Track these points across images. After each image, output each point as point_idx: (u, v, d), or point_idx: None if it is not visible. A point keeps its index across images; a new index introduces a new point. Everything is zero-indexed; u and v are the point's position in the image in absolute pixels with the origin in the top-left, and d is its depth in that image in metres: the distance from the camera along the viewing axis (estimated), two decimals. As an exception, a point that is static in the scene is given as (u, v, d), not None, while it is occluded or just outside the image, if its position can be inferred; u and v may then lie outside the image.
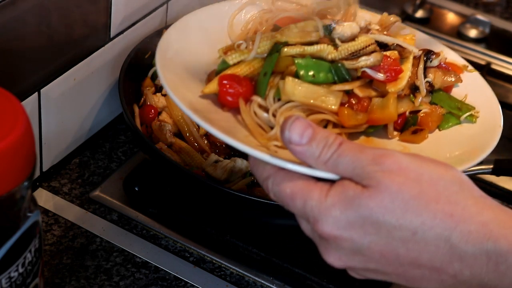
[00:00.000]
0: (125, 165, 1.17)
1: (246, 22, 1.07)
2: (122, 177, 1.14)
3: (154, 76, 1.19)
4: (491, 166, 1.14)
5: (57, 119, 1.11)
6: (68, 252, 1.03)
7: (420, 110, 0.98)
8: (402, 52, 0.97)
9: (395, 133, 0.97)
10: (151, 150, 1.06)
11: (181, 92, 0.87)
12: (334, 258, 0.72)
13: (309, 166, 0.73)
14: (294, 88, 0.88)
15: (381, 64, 0.92)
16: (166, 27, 1.22)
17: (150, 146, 1.06)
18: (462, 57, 1.10)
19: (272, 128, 0.88)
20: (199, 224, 1.10)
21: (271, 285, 1.03)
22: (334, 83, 0.91)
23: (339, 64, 0.91)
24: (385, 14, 1.08)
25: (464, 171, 0.78)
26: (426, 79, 0.99)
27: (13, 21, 0.95)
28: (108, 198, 1.11)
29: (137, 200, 1.12)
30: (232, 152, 1.13)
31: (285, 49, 0.91)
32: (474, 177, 1.17)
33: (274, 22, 1.03)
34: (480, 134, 0.96)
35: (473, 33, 1.62)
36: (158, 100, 1.16)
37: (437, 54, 1.01)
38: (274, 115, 0.89)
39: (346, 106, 0.91)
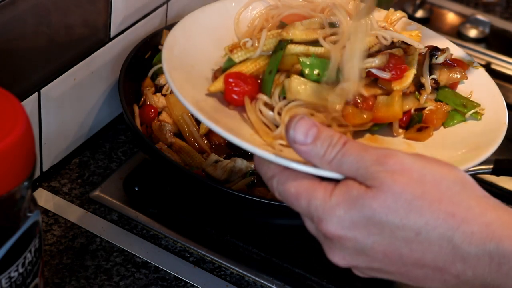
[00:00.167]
0: (125, 165, 1.17)
1: (252, 19, 1.06)
2: (122, 177, 1.14)
3: (154, 76, 1.19)
4: (491, 166, 1.13)
5: (57, 119, 1.11)
6: (68, 252, 1.03)
7: (425, 108, 0.97)
8: (407, 49, 0.97)
9: (400, 130, 0.96)
10: (151, 150, 1.06)
11: (187, 91, 0.87)
12: (338, 258, 0.72)
13: (314, 165, 0.73)
14: (299, 87, 0.88)
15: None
16: (166, 27, 1.22)
17: (150, 146, 1.06)
18: (463, 57, 1.10)
19: (277, 126, 0.88)
20: (199, 224, 1.10)
21: (271, 285, 1.03)
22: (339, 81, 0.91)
23: None
24: (391, 10, 1.08)
25: (465, 171, 0.77)
26: (432, 76, 0.98)
27: (13, 21, 0.95)
28: (108, 198, 1.11)
29: (137, 200, 1.12)
30: (232, 152, 1.13)
31: (290, 46, 0.91)
32: (475, 177, 1.15)
33: (280, 19, 1.02)
34: (485, 131, 0.95)
35: (473, 33, 1.61)
36: (158, 100, 1.16)
37: (443, 51, 1.00)
38: (279, 114, 0.89)
39: (351, 104, 0.91)
